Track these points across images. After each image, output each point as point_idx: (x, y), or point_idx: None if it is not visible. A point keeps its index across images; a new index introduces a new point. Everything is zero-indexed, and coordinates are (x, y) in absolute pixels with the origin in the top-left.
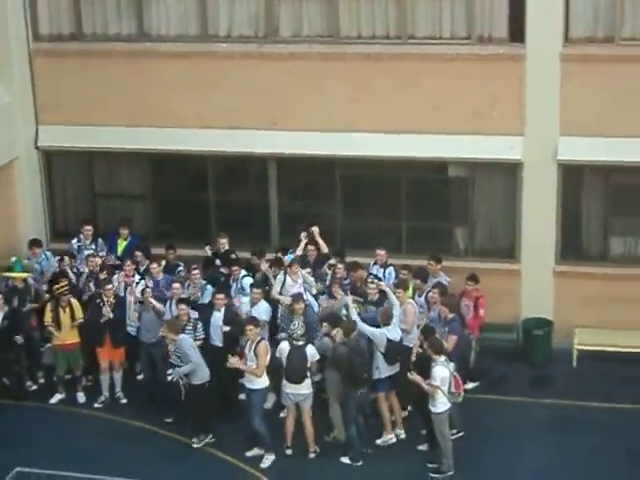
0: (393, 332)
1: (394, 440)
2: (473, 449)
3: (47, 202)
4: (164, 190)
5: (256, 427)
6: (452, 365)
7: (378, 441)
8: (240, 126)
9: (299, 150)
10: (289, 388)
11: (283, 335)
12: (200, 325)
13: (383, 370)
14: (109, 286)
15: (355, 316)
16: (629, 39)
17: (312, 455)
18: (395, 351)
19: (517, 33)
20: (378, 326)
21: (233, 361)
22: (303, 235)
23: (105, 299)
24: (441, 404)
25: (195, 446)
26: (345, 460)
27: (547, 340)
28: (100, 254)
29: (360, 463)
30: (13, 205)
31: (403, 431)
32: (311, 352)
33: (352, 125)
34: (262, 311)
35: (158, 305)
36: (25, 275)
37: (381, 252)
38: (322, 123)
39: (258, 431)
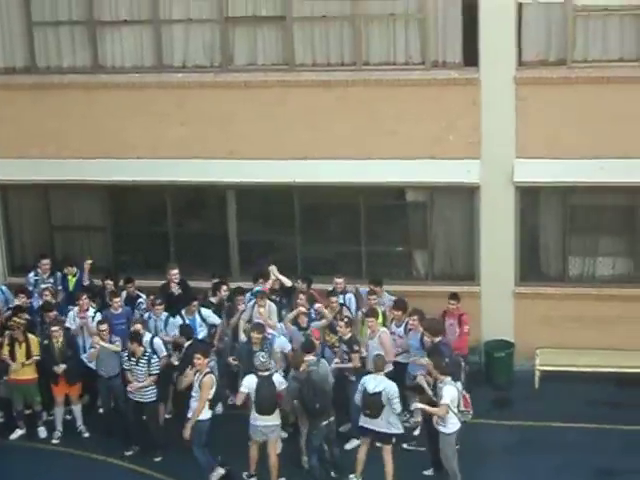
0: (372, 382)
1: None
2: (425, 474)
3: (4, 236)
4: (123, 221)
5: (195, 454)
6: (459, 384)
7: None
8: (197, 156)
9: (257, 179)
10: (259, 420)
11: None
12: (155, 360)
13: (361, 420)
14: (55, 328)
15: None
16: (581, 61)
17: None
18: (368, 403)
19: (471, 57)
20: None
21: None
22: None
23: (54, 340)
24: (452, 424)
25: None
26: None
27: (509, 362)
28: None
29: None
30: None
31: None
32: (278, 380)
33: (310, 152)
34: (283, 343)
35: (108, 346)
36: None
37: (339, 280)
38: (279, 151)
39: (197, 459)
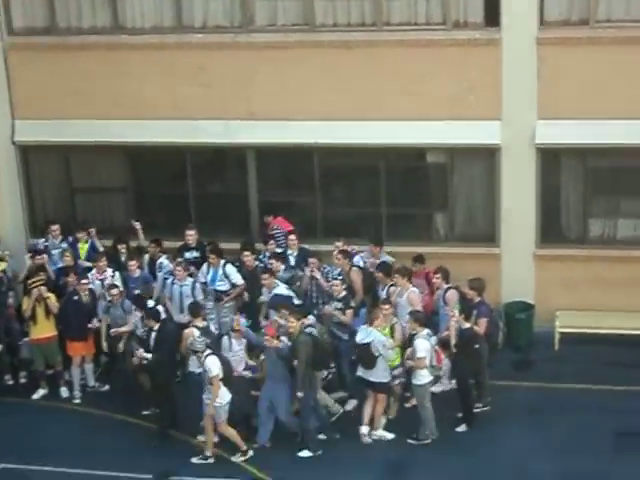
0: (361, 333)
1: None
2: (459, 433)
3: (25, 197)
4: (144, 182)
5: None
6: (433, 339)
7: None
8: (218, 116)
9: (277, 139)
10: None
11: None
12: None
13: (358, 370)
14: (85, 280)
15: None
16: (604, 21)
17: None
18: (358, 354)
19: (492, 17)
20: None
21: None
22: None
23: (81, 293)
24: (422, 377)
25: None
26: (305, 454)
27: (529, 324)
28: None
29: (320, 452)
30: None
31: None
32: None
33: (330, 113)
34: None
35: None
36: (3, 267)
37: (338, 244)
38: (300, 112)
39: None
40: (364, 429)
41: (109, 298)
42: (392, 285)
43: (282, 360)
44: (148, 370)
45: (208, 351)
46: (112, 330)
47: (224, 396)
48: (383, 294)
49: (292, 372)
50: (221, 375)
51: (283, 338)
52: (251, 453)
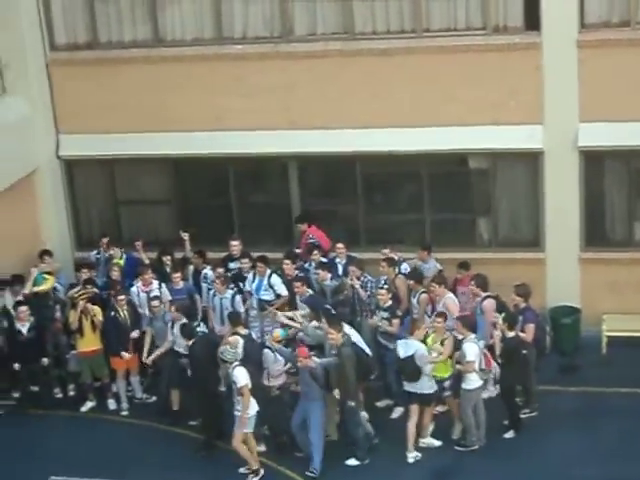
0: (402, 347)
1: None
2: (506, 439)
3: (70, 211)
4: (187, 194)
5: None
6: (482, 342)
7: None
8: (259, 127)
9: (319, 148)
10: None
11: None
12: None
13: (405, 384)
14: (121, 297)
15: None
16: None
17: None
18: (400, 368)
19: (532, 21)
20: None
21: None
22: None
23: (119, 309)
24: (472, 381)
25: None
26: (352, 462)
27: (575, 328)
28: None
29: (368, 460)
30: (36, 216)
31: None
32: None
33: (371, 121)
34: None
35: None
36: (53, 282)
37: (385, 251)
38: (341, 120)
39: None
40: (410, 457)
41: (151, 310)
42: (424, 292)
43: (315, 380)
44: (187, 388)
45: (236, 362)
46: (147, 359)
47: (252, 407)
48: (414, 302)
49: (327, 390)
50: (250, 385)
51: (315, 358)
52: (262, 473)
